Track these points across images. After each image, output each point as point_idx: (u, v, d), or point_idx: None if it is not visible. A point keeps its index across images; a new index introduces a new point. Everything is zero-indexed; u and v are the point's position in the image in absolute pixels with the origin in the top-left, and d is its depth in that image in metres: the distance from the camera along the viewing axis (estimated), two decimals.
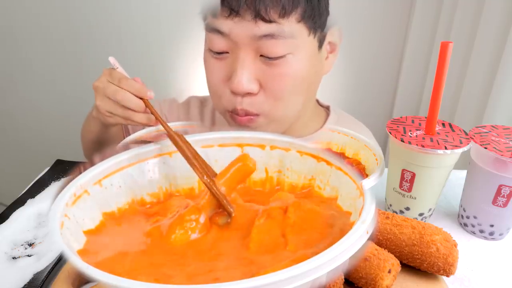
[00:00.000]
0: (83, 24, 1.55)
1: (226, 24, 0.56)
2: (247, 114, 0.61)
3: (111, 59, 0.61)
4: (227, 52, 0.59)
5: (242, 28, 0.55)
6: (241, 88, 0.57)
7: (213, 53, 0.60)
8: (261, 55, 0.57)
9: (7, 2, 1.53)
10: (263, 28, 0.55)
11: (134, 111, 0.57)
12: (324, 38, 0.63)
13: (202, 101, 0.83)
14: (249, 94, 0.59)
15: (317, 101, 0.78)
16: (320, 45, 0.62)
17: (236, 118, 0.62)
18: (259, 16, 0.54)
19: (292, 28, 0.56)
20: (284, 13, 0.55)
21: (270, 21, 0.54)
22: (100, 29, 1.56)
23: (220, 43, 0.58)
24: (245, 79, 0.57)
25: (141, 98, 0.56)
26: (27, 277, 0.46)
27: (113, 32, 1.56)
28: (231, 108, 0.61)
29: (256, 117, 0.62)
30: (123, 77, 0.58)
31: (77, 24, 1.55)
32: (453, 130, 0.56)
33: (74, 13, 1.54)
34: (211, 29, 0.58)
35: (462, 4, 1.23)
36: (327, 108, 0.79)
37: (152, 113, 0.56)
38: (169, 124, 0.62)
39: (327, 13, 0.61)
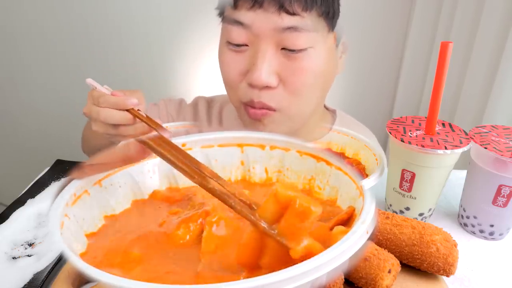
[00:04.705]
0: (83, 24, 1.55)
1: (248, 16, 0.56)
2: (263, 107, 0.60)
3: (88, 81, 0.61)
4: (246, 45, 0.59)
5: (265, 20, 0.55)
6: (260, 81, 0.57)
7: (231, 46, 0.59)
8: (282, 48, 0.57)
9: (7, 3, 1.53)
10: (287, 20, 0.55)
11: (125, 125, 0.56)
12: (340, 37, 0.63)
13: (209, 101, 0.83)
14: (267, 87, 0.58)
15: (324, 105, 0.78)
16: (337, 43, 0.63)
17: (250, 111, 0.61)
18: (282, 8, 0.54)
19: (313, 22, 0.56)
20: (307, 7, 0.55)
21: (293, 14, 0.54)
22: (100, 29, 1.56)
23: (240, 35, 0.58)
24: (265, 72, 0.57)
25: (127, 110, 0.55)
26: (27, 277, 0.46)
27: (113, 32, 1.56)
28: (246, 99, 0.61)
29: (272, 112, 0.61)
30: (101, 95, 0.56)
31: (77, 24, 1.55)
32: (453, 130, 0.56)
33: (74, 14, 1.54)
34: (231, 21, 0.58)
35: (462, 4, 1.23)
36: (333, 112, 0.79)
37: (142, 121, 0.56)
38: (168, 125, 0.63)
39: (339, 14, 0.62)
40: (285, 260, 0.30)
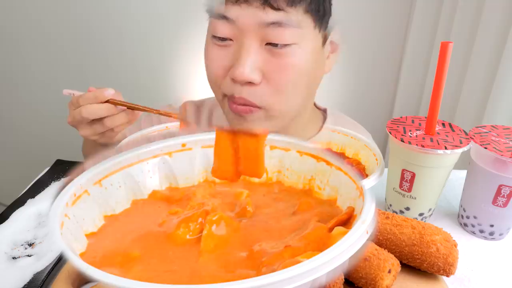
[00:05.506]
0: (83, 25, 1.55)
1: (233, 10, 0.56)
2: (245, 103, 0.60)
3: (65, 91, 0.64)
4: (231, 40, 0.58)
5: (249, 15, 0.55)
6: (243, 77, 0.57)
7: (216, 40, 0.59)
8: (266, 44, 0.57)
9: (7, 3, 1.53)
10: (271, 15, 0.55)
11: (109, 116, 0.59)
12: (327, 36, 0.63)
13: (198, 105, 0.83)
14: (250, 83, 0.58)
15: (314, 104, 0.77)
16: (324, 42, 0.62)
17: (233, 106, 0.61)
18: (267, 3, 0.54)
19: (299, 18, 0.56)
20: (292, 2, 0.55)
21: (278, 9, 0.54)
22: (100, 29, 1.56)
23: (225, 30, 0.57)
24: (248, 67, 0.56)
25: (106, 101, 0.58)
26: (27, 277, 0.46)
27: (113, 32, 1.56)
28: (229, 93, 0.60)
29: (255, 109, 0.60)
30: (79, 96, 0.59)
31: (77, 25, 1.55)
32: (453, 130, 0.56)
33: (74, 14, 1.54)
34: (217, 15, 0.58)
35: (462, 4, 1.23)
36: (324, 111, 0.78)
37: (123, 105, 0.58)
38: (170, 124, 0.63)
39: (330, 13, 0.61)
40: (256, 159, 0.38)
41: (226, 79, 0.60)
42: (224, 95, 0.62)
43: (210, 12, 0.60)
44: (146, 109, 0.60)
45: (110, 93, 0.58)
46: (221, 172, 0.38)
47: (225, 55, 0.59)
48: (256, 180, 0.47)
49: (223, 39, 0.58)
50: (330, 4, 0.61)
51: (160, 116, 0.81)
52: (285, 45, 0.56)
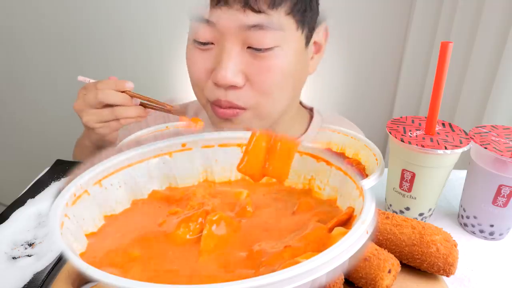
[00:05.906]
0: (83, 25, 1.55)
1: (214, 13, 0.55)
2: (231, 106, 0.59)
3: (80, 78, 0.63)
4: (212, 43, 0.58)
5: (230, 18, 0.54)
6: (225, 80, 0.56)
7: (198, 44, 0.59)
8: (248, 47, 0.56)
9: (8, 2, 1.53)
10: (252, 18, 0.54)
11: (122, 106, 0.58)
12: (311, 37, 0.62)
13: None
14: (233, 87, 0.58)
15: (300, 103, 0.77)
16: (307, 43, 0.62)
17: (219, 111, 0.60)
18: (247, 5, 0.53)
19: (280, 20, 0.55)
20: (273, 4, 0.54)
21: (259, 11, 0.54)
22: (100, 29, 1.56)
23: (206, 33, 0.57)
24: (230, 71, 0.56)
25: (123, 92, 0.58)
26: (27, 277, 0.46)
27: (113, 33, 1.56)
28: (213, 99, 0.60)
29: (242, 111, 0.60)
30: (98, 81, 0.59)
31: (77, 25, 1.55)
32: (453, 130, 0.56)
33: (75, 14, 1.54)
34: (198, 19, 0.57)
35: (462, 4, 1.23)
36: (310, 110, 0.78)
37: (139, 98, 0.58)
38: (171, 124, 0.63)
39: (317, 13, 0.61)
40: (287, 160, 0.39)
41: (208, 83, 0.60)
42: (208, 101, 0.62)
43: (192, 15, 0.60)
44: (160, 104, 0.59)
45: (130, 85, 0.58)
46: (249, 167, 0.39)
47: (207, 58, 0.59)
48: None
49: (204, 43, 0.58)
50: (317, 4, 0.60)
51: (148, 124, 0.81)
52: (267, 48, 0.56)
